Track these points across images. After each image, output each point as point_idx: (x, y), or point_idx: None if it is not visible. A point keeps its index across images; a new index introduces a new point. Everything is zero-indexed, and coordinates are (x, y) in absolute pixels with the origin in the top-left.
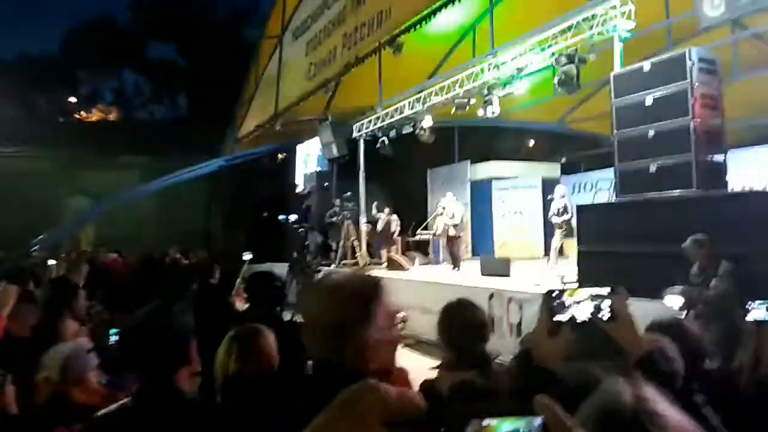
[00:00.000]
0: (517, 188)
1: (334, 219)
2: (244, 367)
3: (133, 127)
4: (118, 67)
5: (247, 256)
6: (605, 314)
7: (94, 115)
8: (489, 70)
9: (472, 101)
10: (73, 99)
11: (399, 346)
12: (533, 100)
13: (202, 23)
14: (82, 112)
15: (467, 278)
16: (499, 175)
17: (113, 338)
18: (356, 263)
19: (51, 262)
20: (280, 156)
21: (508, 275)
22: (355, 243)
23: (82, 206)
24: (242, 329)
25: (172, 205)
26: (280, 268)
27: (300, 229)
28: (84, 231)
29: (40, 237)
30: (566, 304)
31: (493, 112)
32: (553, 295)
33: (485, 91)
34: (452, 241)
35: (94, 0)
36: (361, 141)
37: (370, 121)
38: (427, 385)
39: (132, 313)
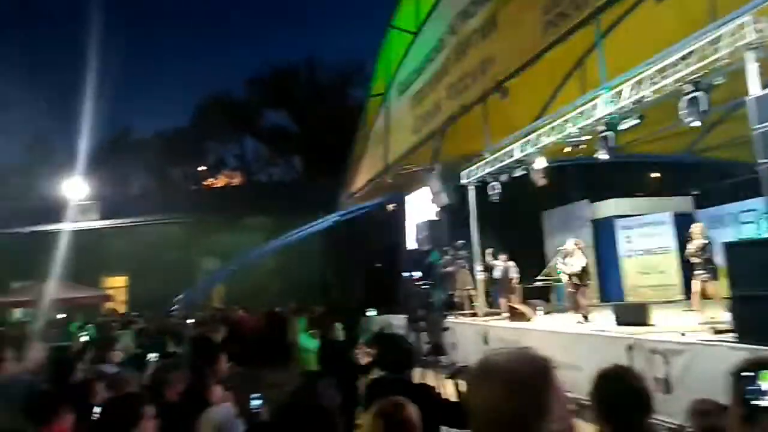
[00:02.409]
0: (645, 226)
1: (449, 268)
2: None
3: (255, 189)
4: (239, 135)
5: (371, 312)
6: None
7: (220, 181)
8: (604, 104)
9: (587, 138)
10: (201, 168)
11: None
12: (656, 130)
13: (311, 90)
14: (210, 179)
15: (600, 327)
16: (623, 213)
17: (254, 403)
18: (474, 314)
19: (189, 321)
20: (389, 207)
21: (646, 323)
22: (472, 292)
23: (213, 267)
24: (386, 405)
25: (291, 261)
26: (398, 320)
27: (425, 286)
28: (216, 290)
29: (178, 297)
30: (763, 388)
31: (610, 148)
32: (744, 375)
33: (601, 127)
34: (579, 289)
35: (216, 78)
36: (471, 187)
37: (478, 167)
38: None
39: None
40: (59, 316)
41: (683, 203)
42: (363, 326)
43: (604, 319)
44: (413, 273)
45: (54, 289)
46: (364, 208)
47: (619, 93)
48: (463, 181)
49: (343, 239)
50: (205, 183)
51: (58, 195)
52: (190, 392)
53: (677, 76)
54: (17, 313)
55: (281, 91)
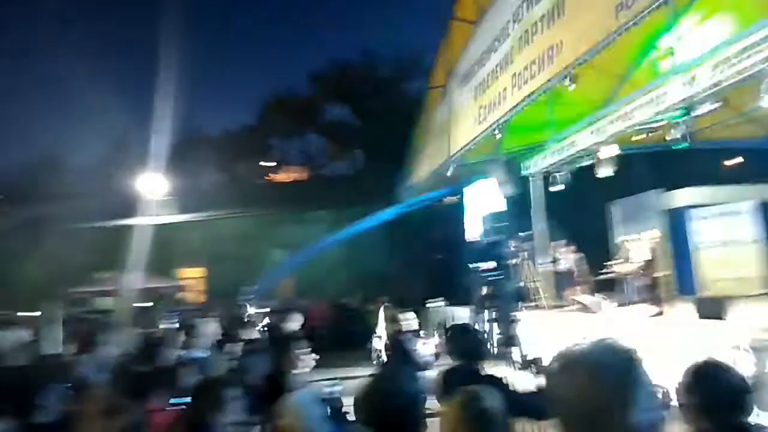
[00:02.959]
0: (723, 216)
1: (513, 260)
2: None
3: (319, 183)
4: (303, 131)
5: (438, 303)
6: None
7: (286, 176)
8: (678, 88)
9: (659, 124)
10: (268, 164)
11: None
12: (734, 114)
13: (371, 84)
14: (276, 174)
15: (676, 321)
16: (698, 203)
17: (333, 389)
18: (538, 306)
19: (262, 310)
20: (449, 199)
21: (722, 318)
22: (537, 284)
23: (281, 259)
24: (467, 394)
25: (355, 253)
26: (461, 312)
27: (495, 277)
28: (284, 281)
29: (250, 288)
30: None
31: (685, 135)
32: None
33: (675, 113)
34: (649, 282)
35: (280, 75)
36: (535, 178)
37: (543, 157)
38: None
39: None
40: (143, 304)
41: (766, 191)
42: (426, 317)
43: (679, 313)
44: (482, 264)
45: (135, 279)
46: (426, 199)
47: (695, 76)
48: (527, 172)
49: (405, 231)
50: (271, 178)
51: (138, 191)
52: (271, 377)
53: (762, 55)
54: (102, 302)
55: (342, 87)
